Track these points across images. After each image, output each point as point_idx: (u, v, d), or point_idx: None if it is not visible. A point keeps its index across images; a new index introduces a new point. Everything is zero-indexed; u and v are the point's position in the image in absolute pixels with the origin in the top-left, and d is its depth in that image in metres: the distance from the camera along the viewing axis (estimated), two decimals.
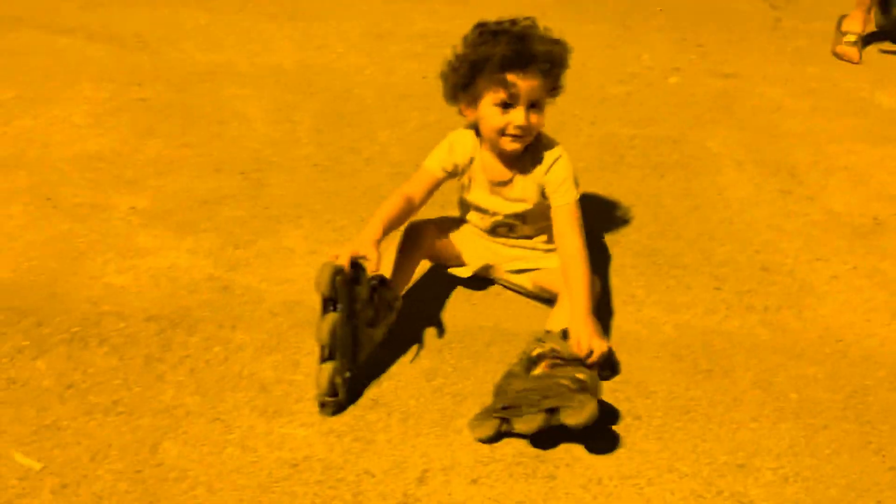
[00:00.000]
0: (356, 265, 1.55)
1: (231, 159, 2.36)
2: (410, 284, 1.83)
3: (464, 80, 1.62)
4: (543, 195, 1.73)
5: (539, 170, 1.70)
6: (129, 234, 2.03)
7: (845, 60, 3.06)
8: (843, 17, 3.14)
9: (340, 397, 1.56)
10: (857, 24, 3.11)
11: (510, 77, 1.56)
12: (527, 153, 1.71)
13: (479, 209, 1.81)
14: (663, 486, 1.45)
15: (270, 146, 2.43)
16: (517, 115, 1.60)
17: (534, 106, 1.61)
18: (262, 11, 3.26)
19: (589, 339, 1.57)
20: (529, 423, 1.46)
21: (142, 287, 1.87)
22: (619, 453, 1.52)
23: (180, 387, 1.61)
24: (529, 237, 1.83)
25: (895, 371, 1.72)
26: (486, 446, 1.52)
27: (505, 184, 1.74)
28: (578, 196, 1.72)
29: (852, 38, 3.09)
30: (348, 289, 1.53)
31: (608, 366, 1.66)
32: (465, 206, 1.87)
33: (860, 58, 3.05)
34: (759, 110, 2.72)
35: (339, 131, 2.52)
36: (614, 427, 1.57)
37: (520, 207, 1.76)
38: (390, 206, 1.67)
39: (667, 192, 2.28)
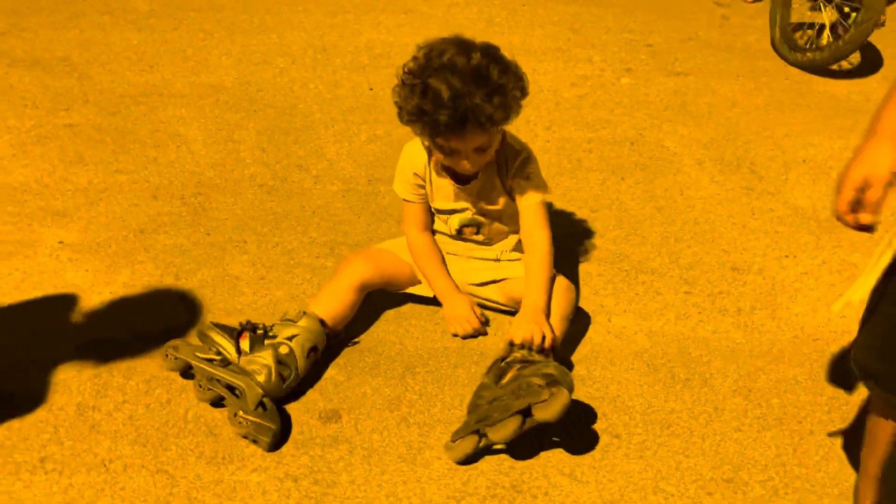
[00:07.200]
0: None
1: (169, 184, 2.20)
2: (353, 314, 1.69)
3: (406, 119, 1.53)
4: (511, 196, 1.67)
5: (505, 170, 1.64)
6: (58, 270, 1.87)
7: None
8: None
9: (272, 425, 1.44)
10: None
11: (442, 141, 1.51)
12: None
13: (445, 212, 1.72)
14: None
15: (211, 168, 2.29)
16: (461, 164, 1.56)
17: (479, 149, 1.54)
18: (197, 28, 3.11)
19: (535, 330, 1.52)
20: (503, 429, 1.37)
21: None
22: (600, 477, 1.42)
23: (117, 437, 1.46)
24: (492, 242, 1.75)
25: None
26: (457, 480, 1.40)
27: (469, 180, 1.66)
28: (546, 195, 1.67)
29: None
30: (184, 350, 1.57)
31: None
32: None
33: None
34: (713, 108, 2.67)
35: (284, 149, 2.39)
36: (593, 448, 1.47)
37: (487, 204, 1.69)
38: (429, 251, 1.73)
39: (628, 194, 2.21)
